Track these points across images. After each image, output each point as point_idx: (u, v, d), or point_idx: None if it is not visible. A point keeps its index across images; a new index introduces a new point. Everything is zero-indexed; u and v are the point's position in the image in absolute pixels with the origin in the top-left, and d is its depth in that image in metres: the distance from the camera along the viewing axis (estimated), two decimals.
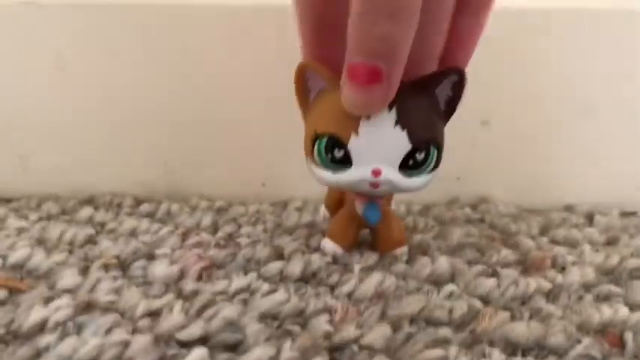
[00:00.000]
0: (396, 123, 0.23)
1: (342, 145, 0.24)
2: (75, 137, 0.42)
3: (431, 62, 0.25)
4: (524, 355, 0.21)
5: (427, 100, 0.24)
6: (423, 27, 0.21)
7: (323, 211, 0.34)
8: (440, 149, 0.25)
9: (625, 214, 0.41)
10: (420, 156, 0.24)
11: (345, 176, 0.24)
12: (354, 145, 0.23)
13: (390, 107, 0.23)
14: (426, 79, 0.24)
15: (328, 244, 0.29)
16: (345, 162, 0.24)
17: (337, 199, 0.31)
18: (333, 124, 0.24)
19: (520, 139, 0.42)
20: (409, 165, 0.24)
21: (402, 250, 0.29)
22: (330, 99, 0.24)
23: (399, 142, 0.23)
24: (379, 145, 0.23)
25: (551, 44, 0.40)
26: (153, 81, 0.41)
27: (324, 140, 0.24)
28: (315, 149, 0.25)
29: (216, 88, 0.41)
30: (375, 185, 0.24)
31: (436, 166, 0.25)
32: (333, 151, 0.24)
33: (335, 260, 0.29)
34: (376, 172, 0.24)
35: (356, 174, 0.24)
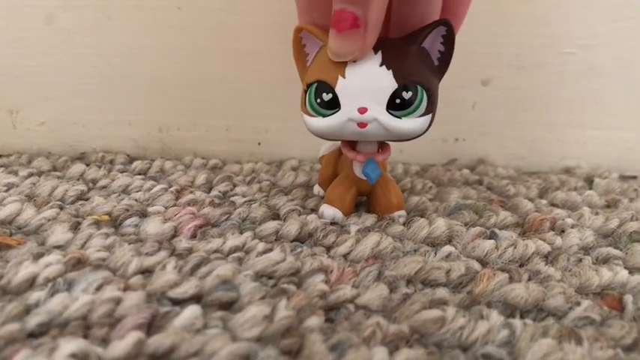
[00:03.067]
0: (382, 64, 0.23)
1: (330, 89, 0.24)
2: (66, 94, 0.41)
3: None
4: (522, 317, 0.21)
5: (416, 51, 0.24)
6: None
7: (317, 189, 0.33)
8: (430, 94, 0.24)
9: (624, 178, 0.40)
10: (406, 95, 0.24)
11: (334, 119, 0.24)
12: (341, 87, 0.24)
13: (376, 51, 0.23)
14: (414, 32, 0.24)
15: (327, 209, 0.29)
16: (334, 106, 0.24)
17: (332, 177, 0.31)
18: (322, 72, 0.25)
19: (520, 100, 0.42)
20: (396, 104, 0.24)
21: (401, 214, 0.29)
22: (322, 53, 0.25)
23: (385, 81, 0.23)
24: (365, 86, 0.24)
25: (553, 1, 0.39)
26: (146, 37, 0.40)
27: (314, 87, 0.25)
28: (307, 98, 0.25)
29: (211, 45, 0.40)
30: (362, 125, 0.24)
31: (427, 112, 0.24)
32: (322, 95, 0.24)
33: (332, 222, 0.28)
34: (362, 110, 0.24)
35: (343, 114, 0.24)
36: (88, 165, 0.38)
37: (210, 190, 0.34)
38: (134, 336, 0.17)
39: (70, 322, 0.18)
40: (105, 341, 0.17)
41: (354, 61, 0.23)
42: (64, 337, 0.17)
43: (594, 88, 0.41)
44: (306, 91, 0.25)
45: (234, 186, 0.34)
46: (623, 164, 0.42)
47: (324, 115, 0.25)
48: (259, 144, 0.43)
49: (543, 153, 0.43)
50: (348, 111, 0.24)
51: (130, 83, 0.41)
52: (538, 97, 0.42)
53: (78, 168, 0.36)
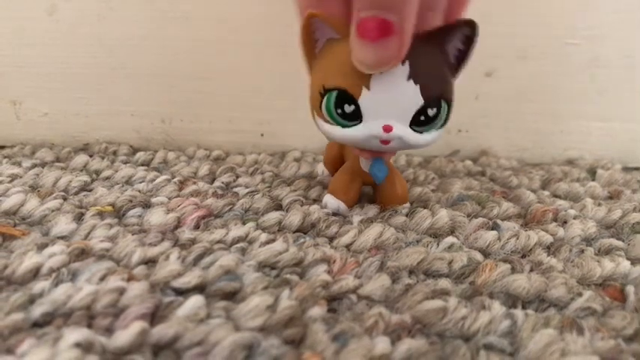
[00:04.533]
0: (409, 77, 0.22)
1: (353, 101, 0.23)
2: (69, 85, 0.41)
3: (435, 16, 0.24)
4: (524, 307, 0.21)
5: (439, 54, 0.23)
6: None
7: (322, 168, 0.33)
8: (450, 105, 0.24)
9: (627, 169, 0.40)
10: (431, 112, 0.23)
11: (355, 132, 0.23)
12: (365, 100, 0.22)
13: (403, 61, 0.22)
14: (438, 31, 0.23)
15: (331, 200, 0.29)
16: (355, 117, 0.23)
17: (337, 157, 0.31)
18: (343, 78, 0.23)
19: (523, 91, 0.41)
20: (420, 121, 0.23)
21: (404, 206, 0.29)
22: (339, 50, 0.23)
23: (412, 98, 0.22)
24: (391, 101, 0.22)
25: None
26: (149, 28, 0.40)
27: (334, 95, 0.23)
28: (324, 104, 0.23)
29: (214, 36, 0.40)
30: (385, 142, 0.23)
31: (445, 122, 0.24)
32: (343, 106, 0.23)
33: (334, 212, 0.28)
34: (387, 129, 0.23)
35: (366, 130, 0.23)
36: (91, 156, 0.38)
37: (213, 181, 0.34)
38: (138, 326, 0.17)
39: (74, 311, 0.18)
40: (109, 331, 0.17)
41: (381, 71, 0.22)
42: (69, 326, 0.17)
43: (598, 79, 0.41)
44: (322, 94, 0.23)
45: (237, 177, 0.34)
46: (626, 156, 0.42)
47: (344, 126, 0.24)
48: (262, 135, 0.43)
49: (546, 144, 0.43)
50: (371, 126, 0.23)
51: (133, 74, 0.41)
52: (541, 88, 0.41)
53: (81, 159, 0.36)
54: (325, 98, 0.23)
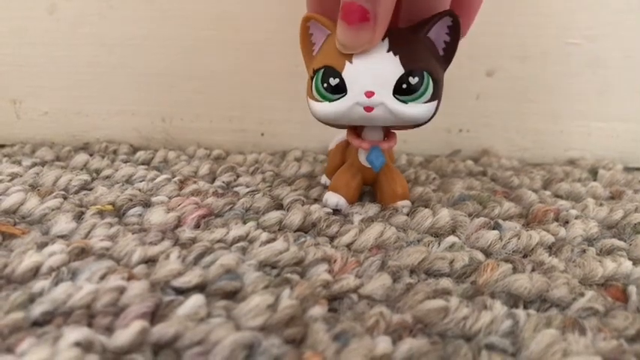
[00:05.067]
0: (389, 50, 0.24)
1: (337, 74, 0.24)
2: (69, 84, 0.41)
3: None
4: (526, 307, 0.21)
5: (422, 40, 0.25)
6: None
7: (324, 179, 0.33)
8: (436, 81, 0.24)
9: (629, 169, 0.40)
10: (413, 80, 0.24)
11: (340, 104, 0.24)
12: (348, 72, 0.24)
13: (383, 39, 0.24)
14: (420, 22, 0.25)
15: (332, 197, 0.29)
16: (341, 90, 0.24)
17: (338, 167, 0.31)
18: (329, 58, 0.25)
19: (525, 91, 0.41)
20: (403, 89, 0.24)
21: (405, 204, 0.29)
22: (329, 41, 0.25)
23: (392, 67, 0.24)
24: (372, 71, 0.24)
25: None
26: (149, 27, 0.40)
27: (321, 72, 0.25)
28: (313, 84, 0.25)
29: (215, 35, 0.40)
30: (369, 108, 0.24)
31: (433, 98, 0.25)
32: (329, 80, 0.24)
33: (335, 211, 0.28)
34: (369, 94, 0.24)
35: (350, 99, 0.24)
36: (91, 155, 0.38)
37: (213, 180, 0.34)
38: (138, 325, 0.17)
39: (74, 310, 0.18)
40: (109, 330, 0.17)
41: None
42: (68, 325, 0.17)
43: (599, 79, 0.41)
44: (312, 77, 0.25)
45: (238, 176, 0.34)
46: (627, 156, 0.42)
47: (331, 100, 0.25)
48: (263, 135, 0.43)
49: (547, 144, 0.43)
50: (354, 95, 0.24)
51: (133, 73, 0.41)
52: (542, 88, 0.41)
53: (81, 158, 0.36)
54: (314, 78, 0.25)
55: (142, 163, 0.37)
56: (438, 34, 0.25)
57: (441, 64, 0.25)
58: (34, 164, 0.35)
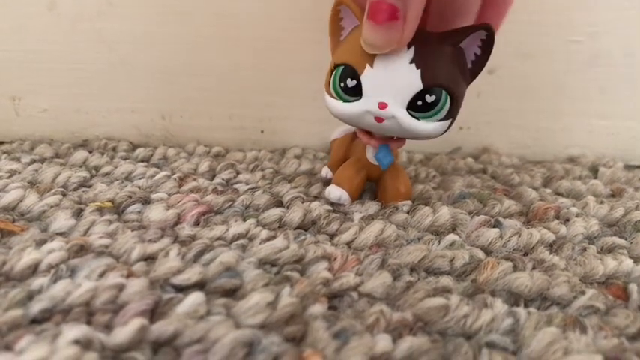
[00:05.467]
0: (412, 61, 0.23)
1: (356, 75, 0.24)
2: (68, 81, 0.41)
3: (464, 21, 0.25)
4: (526, 305, 0.21)
5: (450, 52, 0.23)
6: None
7: (326, 171, 0.33)
8: (454, 100, 0.24)
9: (629, 167, 0.40)
10: (430, 98, 0.23)
11: (353, 107, 0.24)
12: (367, 76, 0.23)
13: (409, 47, 0.23)
14: (452, 31, 0.24)
15: (334, 190, 0.28)
16: (356, 93, 0.24)
17: (343, 160, 0.31)
18: (351, 55, 0.24)
19: (525, 88, 0.41)
20: (418, 106, 0.23)
21: (405, 204, 0.29)
22: (357, 34, 0.24)
23: (411, 80, 0.23)
24: (390, 80, 0.23)
25: None
26: (149, 24, 0.39)
27: (340, 69, 0.24)
28: (332, 79, 0.25)
29: (215, 32, 0.39)
30: (379, 119, 0.24)
31: (447, 117, 0.24)
32: (347, 80, 0.24)
33: (335, 209, 0.28)
34: (382, 105, 0.23)
35: (363, 105, 0.24)
36: (90, 152, 0.37)
37: (213, 177, 0.34)
38: (137, 322, 0.17)
39: (73, 308, 0.18)
40: (108, 327, 0.17)
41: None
42: (67, 323, 0.17)
43: (600, 76, 0.40)
44: (332, 71, 0.25)
45: (238, 174, 0.34)
46: (628, 154, 0.42)
47: (345, 100, 0.24)
48: (262, 132, 0.43)
49: (548, 142, 0.43)
50: (368, 103, 0.23)
51: (132, 70, 0.41)
52: (543, 85, 0.41)
53: (81, 155, 0.36)
54: (333, 73, 0.25)
55: (142, 161, 0.37)
56: (470, 45, 0.24)
57: (467, 77, 0.24)
58: (33, 161, 0.35)
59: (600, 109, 0.41)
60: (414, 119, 0.23)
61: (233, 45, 0.40)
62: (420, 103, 0.23)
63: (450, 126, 0.25)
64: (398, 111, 0.23)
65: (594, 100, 0.41)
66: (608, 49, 0.40)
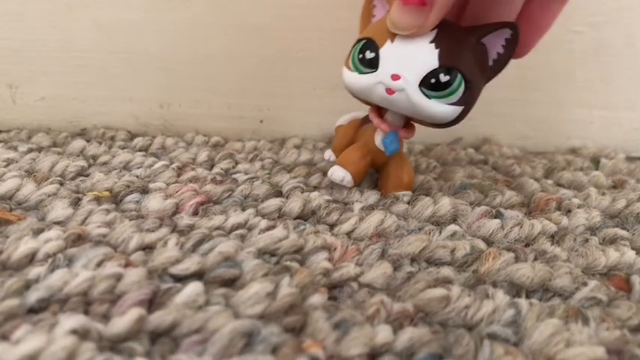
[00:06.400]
0: (432, 41, 0.23)
1: (375, 48, 0.24)
2: (66, 69, 0.41)
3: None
4: (528, 296, 0.20)
5: (472, 43, 0.24)
6: None
7: (329, 154, 0.33)
8: (468, 87, 0.23)
9: (631, 158, 0.40)
10: (444, 77, 0.23)
11: (367, 78, 0.24)
12: (386, 50, 0.24)
13: (434, 29, 0.23)
14: (477, 25, 0.24)
15: (337, 170, 0.28)
16: (373, 65, 0.24)
17: (347, 145, 0.30)
18: (375, 32, 0.24)
19: (527, 78, 0.41)
20: (431, 84, 0.23)
21: (406, 194, 0.28)
22: (384, 20, 0.24)
23: (428, 58, 0.23)
24: (408, 55, 0.23)
25: None
26: (147, 11, 0.39)
27: (362, 43, 0.25)
28: (352, 52, 0.25)
29: (214, 20, 0.39)
30: (390, 91, 0.24)
31: (460, 103, 0.24)
32: (366, 52, 0.24)
33: (335, 199, 0.28)
34: (395, 77, 0.23)
35: (377, 76, 0.24)
36: (88, 141, 0.37)
37: (212, 167, 0.33)
38: (135, 312, 0.17)
39: (71, 297, 0.18)
40: (106, 317, 0.17)
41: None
42: (65, 312, 0.17)
43: (602, 67, 0.40)
44: (354, 46, 0.25)
45: (237, 163, 0.34)
46: (630, 145, 0.42)
47: (361, 72, 0.24)
48: (261, 121, 0.43)
49: (549, 133, 0.42)
50: (382, 74, 0.24)
51: (131, 58, 0.40)
52: (545, 75, 0.41)
53: (78, 144, 0.36)
54: (355, 47, 0.25)
55: (140, 150, 0.37)
56: (493, 43, 0.24)
57: (486, 73, 0.25)
58: (31, 150, 0.34)
59: (602, 100, 0.41)
60: (424, 96, 0.23)
61: (232, 33, 0.39)
62: (433, 80, 0.23)
63: (461, 115, 0.24)
64: (410, 85, 0.23)
65: (596, 90, 0.41)
66: (610, 40, 0.39)
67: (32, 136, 0.39)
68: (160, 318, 0.17)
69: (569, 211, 0.28)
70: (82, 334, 0.16)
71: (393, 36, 0.23)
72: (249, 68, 0.41)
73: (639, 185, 0.33)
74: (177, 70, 0.41)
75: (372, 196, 0.28)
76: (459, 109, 0.24)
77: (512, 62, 0.40)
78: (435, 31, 0.23)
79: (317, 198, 0.27)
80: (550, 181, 0.33)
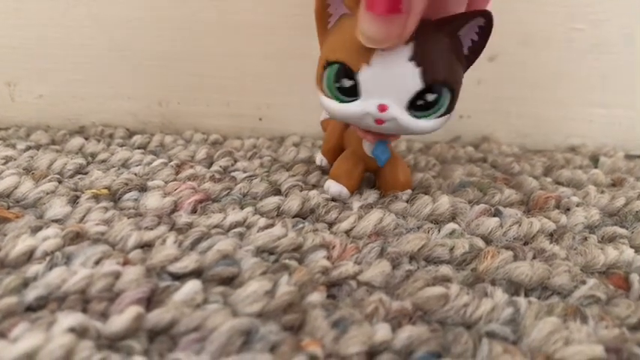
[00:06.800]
0: (411, 59, 0.21)
1: (352, 75, 0.22)
2: (64, 66, 0.41)
3: (458, 6, 0.23)
4: (527, 295, 0.20)
5: (449, 42, 0.22)
6: None
7: (320, 158, 0.33)
8: (454, 94, 0.23)
9: (630, 157, 0.40)
10: (430, 97, 0.22)
11: (351, 108, 0.23)
12: (364, 76, 0.22)
13: (408, 42, 0.21)
14: (450, 19, 0.22)
15: (333, 186, 0.28)
16: (353, 93, 0.23)
17: (336, 147, 0.30)
18: (346, 52, 0.22)
19: (526, 76, 0.41)
20: (418, 105, 0.22)
21: (405, 192, 0.28)
22: (348, 25, 0.22)
23: (411, 80, 0.22)
24: (389, 80, 0.22)
25: None
26: (146, 9, 0.39)
27: (334, 68, 0.23)
28: (325, 77, 0.23)
29: (213, 17, 0.39)
30: (380, 121, 0.23)
31: (448, 111, 0.23)
32: (342, 80, 0.23)
33: (334, 198, 0.28)
34: (382, 108, 0.22)
35: (362, 107, 0.22)
36: (87, 139, 0.37)
37: (210, 165, 0.33)
38: (133, 310, 0.17)
39: (69, 296, 0.18)
40: (104, 315, 0.17)
41: (384, 49, 0.21)
42: (63, 311, 0.17)
43: (602, 65, 0.40)
44: (324, 67, 0.23)
45: (235, 161, 0.34)
46: (629, 143, 0.42)
47: (341, 101, 0.23)
48: (260, 119, 0.43)
49: (549, 131, 0.42)
50: (367, 105, 0.22)
51: (129, 56, 0.40)
52: (544, 73, 0.41)
53: (77, 141, 0.36)
54: (326, 71, 0.23)
55: (138, 147, 0.37)
56: (467, 32, 0.22)
57: (464, 63, 0.23)
58: (29, 148, 0.34)
59: (601, 98, 0.41)
60: (414, 119, 0.23)
61: (231, 31, 0.39)
62: (420, 102, 0.22)
63: (449, 118, 0.24)
64: (398, 113, 0.22)
65: (595, 88, 0.41)
66: (609, 37, 0.39)
67: (30, 133, 0.39)
68: (158, 316, 0.17)
69: (568, 209, 0.28)
70: (80, 332, 0.16)
71: (367, 57, 0.21)
72: (247, 66, 0.41)
73: (638, 183, 0.33)
74: (176, 67, 0.41)
75: (370, 195, 0.28)
76: (446, 117, 0.23)
77: (512, 60, 0.40)
78: (411, 45, 0.21)
79: (316, 196, 0.27)
80: (549, 179, 0.33)
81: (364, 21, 0.20)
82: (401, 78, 0.22)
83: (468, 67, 0.24)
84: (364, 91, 0.22)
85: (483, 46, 0.23)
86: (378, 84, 0.22)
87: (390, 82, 0.22)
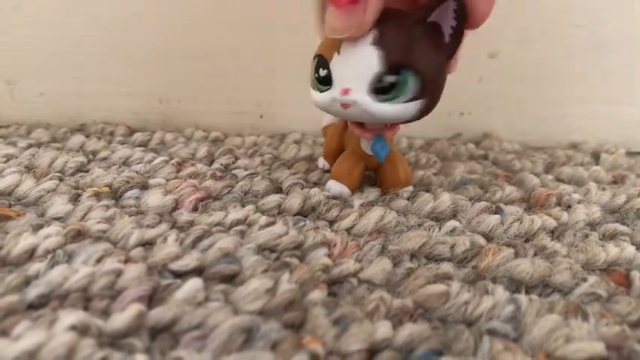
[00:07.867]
0: (373, 43, 0.22)
1: (326, 65, 0.24)
2: (65, 64, 0.41)
3: None
4: (528, 292, 0.20)
5: (421, 28, 0.22)
6: None
7: (322, 162, 0.33)
8: (424, 79, 0.22)
9: (631, 154, 0.40)
10: (390, 78, 0.22)
11: (324, 96, 0.24)
12: (335, 64, 0.23)
13: (372, 28, 0.22)
14: (418, 8, 0.23)
15: (334, 185, 0.28)
16: (328, 82, 0.24)
17: (337, 149, 0.30)
18: (325, 46, 0.24)
19: (527, 74, 0.41)
20: (379, 88, 0.22)
21: (406, 189, 0.28)
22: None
23: (370, 63, 0.22)
24: (352, 65, 0.23)
25: None
26: (147, 7, 0.39)
27: (316, 61, 0.24)
28: (312, 70, 0.25)
29: (213, 15, 0.39)
30: (345, 106, 0.23)
31: (417, 97, 0.23)
32: (319, 70, 0.24)
33: (335, 196, 0.28)
34: (344, 91, 0.23)
35: (330, 93, 0.24)
36: (87, 136, 0.37)
37: (211, 162, 0.33)
38: (135, 308, 0.17)
39: (70, 293, 0.18)
40: (105, 313, 0.17)
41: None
42: (64, 308, 0.17)
43: (602, 62, 0.40)
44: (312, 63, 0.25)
45: (236, 159, 0.34)
46: (630, 140, 0.42)
47: (320, 90, 0.24)
48: (261, 117, 0.43)
49: (550, 128, 0.42)
50: (334, 90, 0.23)
51: (130, 54, 0.40)
52: (545, 71, 0.41)
53: (78, 139, 0.36)
54: (312, 65, 0.25)
55: (139, 145, 0.37)
56: (444, 18, 0.22)
57: (444, 52, 0.23)
58: (30, 146, 0.34)
59: (602, 95, 0.41)
60: (378, 103, 0.23)
61: (232, 28, 0.39)
62: (380, 85, 0.22)
63: (425, 108, 0.23)
64: (360, 96, 0.23)
65: (596, 85, 0.41)
66: (610, 35, 0.39)
67: (31, 131, 0.39)
68: (159, 314, 0.17)
69: (569, 206, 0.28)
70: (81, 330, 0.16)
71: (338, 46, 0.23)
72: (248, 63, 0.41)
73: (639, 180, 0.33)
74: (176, 65, 0.41)
75: (371, 193, 0.28)
76: (417, 103, 0.23)
77: (513, 57, 0.40)
78: (374, 31, 0.22)
79: (317, 194, 0.27)
80: (550, 177, 0.33)
81: (329, 15, 0.22)
82: (361, 62, 0.22)
83: (452, 54, 0.23)
84: (334, 78, 0.23)
85: (462, 30, 0.23)
86: (344, 70, 0.23)
87: (353, 67, 0.23)
